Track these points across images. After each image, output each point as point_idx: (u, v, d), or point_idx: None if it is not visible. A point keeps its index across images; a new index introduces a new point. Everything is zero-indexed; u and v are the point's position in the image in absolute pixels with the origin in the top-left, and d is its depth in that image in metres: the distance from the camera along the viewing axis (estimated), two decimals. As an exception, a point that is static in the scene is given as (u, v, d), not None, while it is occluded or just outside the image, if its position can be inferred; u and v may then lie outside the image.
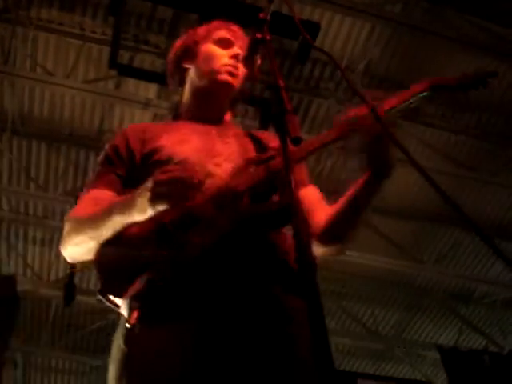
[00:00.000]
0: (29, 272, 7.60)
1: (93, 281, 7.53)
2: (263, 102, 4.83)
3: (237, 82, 1.95)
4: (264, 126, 1.90)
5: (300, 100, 6.41)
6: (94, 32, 5.88)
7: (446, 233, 7.52)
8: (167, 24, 5.79)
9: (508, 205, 7.33)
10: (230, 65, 1.93)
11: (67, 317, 7.98)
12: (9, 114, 6.17)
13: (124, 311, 1.57)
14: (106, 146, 1.91)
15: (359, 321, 8.39)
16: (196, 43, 2.01)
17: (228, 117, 2.03)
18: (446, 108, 6.57)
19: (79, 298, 6.87)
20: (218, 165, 1.75)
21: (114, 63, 5.51)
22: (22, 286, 7.26)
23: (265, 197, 1.64)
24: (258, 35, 1.66)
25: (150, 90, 6.12)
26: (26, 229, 7.29)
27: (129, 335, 1.54)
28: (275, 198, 1.66)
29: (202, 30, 2.04)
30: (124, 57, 5.87)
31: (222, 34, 1.99)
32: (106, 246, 1.64)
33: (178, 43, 2.08)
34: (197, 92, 1.99)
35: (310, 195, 1.86)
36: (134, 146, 1.84)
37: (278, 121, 1.36)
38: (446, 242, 7.63)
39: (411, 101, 1.78)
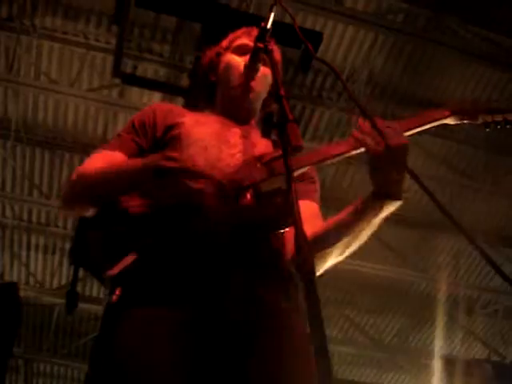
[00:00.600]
0: (31, 279, 7.61)
1: (95, 288, 7.53)
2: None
3: (253, 94, 1.95)
4: (266, 135, 1.91)
5: (302, 108, 6.43)
6: (97, 41, 5.91)
7: (449, 242, 7.51)
8: (170, 33, 5.82)
9: (510, 213, 7.32)
10: (242, 81, 1.92)
11: (70, 324, 7.98)
12: (12, 121, 6.19)
13: (107, 287, 1.57)
14: (132, 117, 1.96)
15: (362, 330, 8.37)
16: (218, 55, 2.05)
17: (253, 122, 2.04)
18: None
19: (82, 305, 6.86)
20: (232, 155, 1.76)
21: (117, 72, 5.54)
22: (25, 293, 7.26)
23: (268, 196, 1.63)
24: (260, 44, 1.68)
25: (154, 99, 6.13)
26: (29, 236, 7.30)
27: (110, 312, 1.54)
28: (279, 199, 1.64)
29: (224, 42, 2.08)
30: (127, 65, 5.90)
31: (241, 41, 2.01)
32: (102, 217, 1.64)
33: (204, 59, 2.12)
34: (223, 102, 2.02)
35: (306, 208, 1.77)
36: (158, 121, 1.87)
37: (279, 130, 1.37)
38: (448, 251, 7.62)
39: (429, 127, 1.76)
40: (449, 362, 7.44)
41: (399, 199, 1.68)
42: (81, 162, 6.78)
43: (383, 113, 6.40)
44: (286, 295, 1.64)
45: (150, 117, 1.90)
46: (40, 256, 7.47)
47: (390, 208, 1.69)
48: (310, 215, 1.77)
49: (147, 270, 1.52)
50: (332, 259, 1.76)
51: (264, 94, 2.01)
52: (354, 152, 1.69)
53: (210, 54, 2.09)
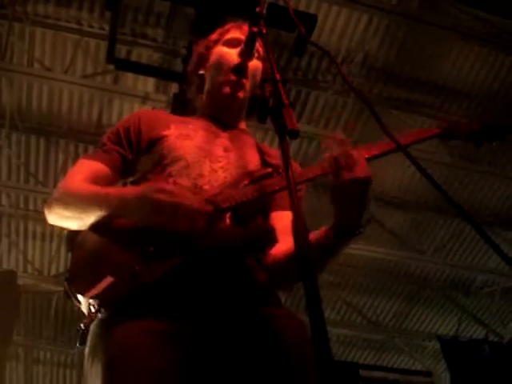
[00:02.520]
0: (29, 267, 7.61)
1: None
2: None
3: (243, 93, 1.93)
4: (261, 120, 1.89)
5: (298, 92, 6.41)
6: (91, 26, 5.87)
7: (445, 223, 7.53)
8: (164, 18, 5.78)
9: (507, 194, 7.34)
10: (232, 78, 1.91)
11: (69, 311, 8.00)
12: (7, 109, 6.16)
13: (84, 309, 1.58)
14: (118, 124, 1.93)
15: (359, 311, 8.41)
16: (208, 49, 2.03)
17: (242, 124, 2.02)
18: (443, 98, 6.57)
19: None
20: (214, 170, 1.76)
21: (111, 58, 5.50)
22: (23, 281, 7.28)
23: (248, 218, 1.64)
24: (255, 29, 1.67)
25: (148, 84, 6.11)
26: (26, 224, 7.29)
27: (96, 328, 1.57)
28: (259, 220, 1.65)
29: (213, 35, 2.05)
30: (121, 51, 5.86)
31: (232, 34, 1.99)
32: (89, 234, 1.65)
33: (194, 52, 2.09)
34: (210, 99, 2.00)
35: (285, 221, 1.74)
36: (143, 130, 1.87)
37: (275, 114, 1.37)
38: (445, 232, 7.64)
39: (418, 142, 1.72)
40: (446, 343, 7.49)
41: (357, 233, 1.62)
42: (76, 148, 6.72)
43: (378, 94, 6.40)
44: (267, 303, 1.65)
45: (135, 125, 1.88)
46: (37, 243, 7.47)
47: (348, 243, 1.64)
48: (287, 231, 1.67)
49: (126, 294, 1.53)
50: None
51: (253, 89, 1.98)
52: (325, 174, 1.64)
53: (199, 48, 2.07)
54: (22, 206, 7.13)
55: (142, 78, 5.99)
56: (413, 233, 7.53)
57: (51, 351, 8.50)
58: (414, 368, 8.67)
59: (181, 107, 5.07)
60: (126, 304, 1.52)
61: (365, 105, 1.63)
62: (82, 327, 1.56)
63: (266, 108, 1.79)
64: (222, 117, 1.96)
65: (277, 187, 1.64)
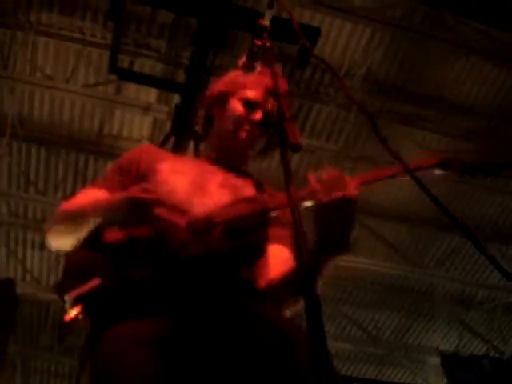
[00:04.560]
0: (28, 276, 7.59)
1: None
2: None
3: (251, 138, 1.94)
4: (264, 133, 1.90)
5: (300, 105, 6.40)
6: (93, 36, 5.88)
7: (447, 237, 7.51)
8: (167, 28, 5.79)
9: (507, 209, 7.32)
10: (245, 126, 1.92)
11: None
12: (8, 118, 6.16)
13: (67, 306, 1.57)
14: (122, 156, 1.98)
15: (360, 326, 8.38)
16: (226, 96, 2.01)
17: (246, 166, 2.02)
18: (446, 112, 6.56)
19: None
20: (203, 204, 1.74)
21: (113, 68, 5.51)
22: (21, 289, 7.25)
23: (239, 234, 1.64)
24: (258, 42, 1.66)
25: (150, 95, 6.11)
26: (25, 233, 7.28)
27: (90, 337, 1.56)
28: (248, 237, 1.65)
29: (233, 84, 2.03)
30: (124, 61, 5.87)
31: (251, 94, 1.97)
32: (81, 249, 1.67)
33: (212, 91, 2.08)
34: (218, 142, 2.01)
35: (277, 253, 1.78)
36: (142, 161, 1.90)
37: (277, 127, 1.36)
38: (446, 247, 7.62)
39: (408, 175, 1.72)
40: (447, 358, 7.45)
41: (346, 251, 1.62)
42: (77, 158, 6.72)
43: (380, 108, 6.39)
44: (260, 301, 1.65)
45: (136, 156, 1.93)
46: (36, 253, 7.45)
47: (337, 257, 1.64)
48: (280, 261, 1.74)
49: (109, 295, 1.55)
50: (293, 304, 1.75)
51: (258, 139, 1.98)
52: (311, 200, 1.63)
53: (219, 88, 2.05)
54: (21, 214, 7.12)
55: (144, 88, 5.99)
56: (414, 247, 7.51)
57: (48, 361, 8.46)
58: (414, 383, 8.63)
59: (183, 123, 5.09)
60: (113, 305, 1.53)
61: (367, 119, 1.61)
62: (62, 324, 1.55)
63: (269, 121, 1.79)
64: (225, 160, 1.97)
65: (271, 205, 1.64)
